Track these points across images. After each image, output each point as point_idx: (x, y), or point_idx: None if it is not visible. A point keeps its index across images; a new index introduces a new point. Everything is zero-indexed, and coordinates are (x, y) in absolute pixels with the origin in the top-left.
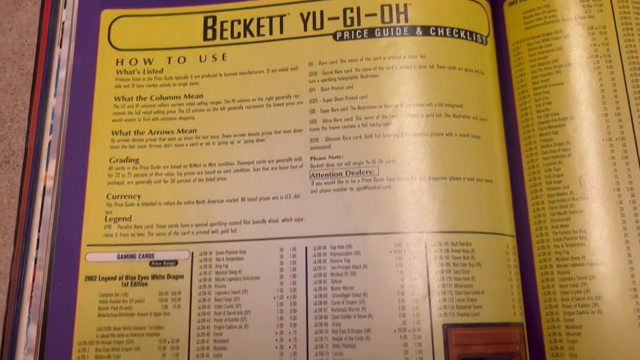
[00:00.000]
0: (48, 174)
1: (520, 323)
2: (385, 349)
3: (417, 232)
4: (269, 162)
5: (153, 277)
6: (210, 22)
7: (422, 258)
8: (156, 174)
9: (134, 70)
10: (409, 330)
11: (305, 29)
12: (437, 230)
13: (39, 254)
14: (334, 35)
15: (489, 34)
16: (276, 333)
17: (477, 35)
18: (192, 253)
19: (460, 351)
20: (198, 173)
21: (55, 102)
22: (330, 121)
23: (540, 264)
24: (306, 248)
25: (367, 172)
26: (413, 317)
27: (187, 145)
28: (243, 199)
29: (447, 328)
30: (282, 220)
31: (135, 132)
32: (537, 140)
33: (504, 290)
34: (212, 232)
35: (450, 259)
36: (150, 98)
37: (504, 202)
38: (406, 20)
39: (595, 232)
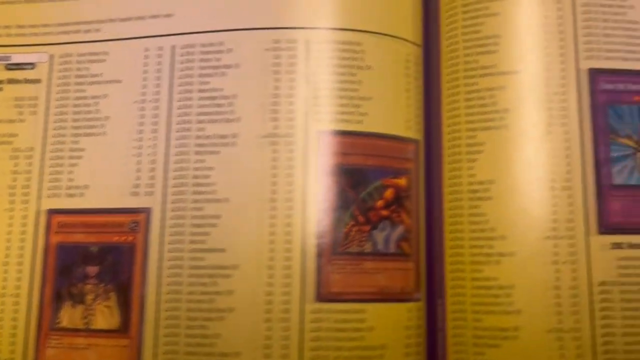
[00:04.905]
0: None
1: (415, 139)
2: (251, 156)
3: (297, 27)
4: None
5: (9, 81)
6: None
7: (303, 57)
8: None
9: None
10: (280, 136)
11: None
12: (321, 26)
13: None
14: None
15: None
16: (135, 140)
17: None
18: (52, 55)
19: (339, 160)
20: None
21: None
22: None
23: (448, 76)
24: (173, 47)
25: None
26: (286, 122)
27: None
28: None
29: (321, 134)
30: (150, 17)
31: None
32: None
33: (397, 100)
34: (75, 32)
35: (336, 59)
36: None
37: (410, 3)
38: None
39: (510, 37)
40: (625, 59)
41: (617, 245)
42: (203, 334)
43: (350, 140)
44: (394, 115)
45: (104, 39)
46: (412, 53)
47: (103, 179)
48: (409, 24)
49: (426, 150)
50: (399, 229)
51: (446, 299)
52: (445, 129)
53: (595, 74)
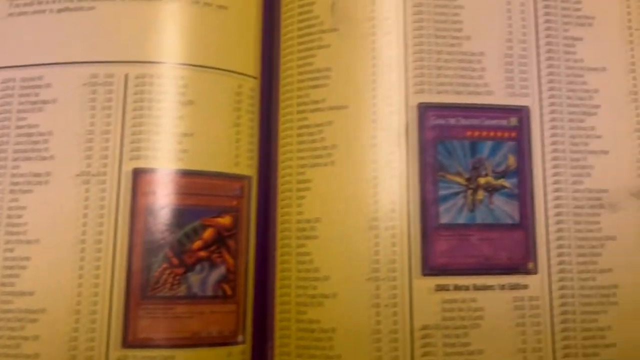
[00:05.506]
0: None
1: (245, 175)
2: (63, 195)
3: (115, 61)
4: None
5: None
6: None
7: (120, 92)
8: None
9: None
10: (93, 175)
11: None
12: (140, 60)
13: None
14: None
15: None
16: None
17: None
18: None
19: (154, 199)
20: None
21: None
22: None
23: (283, 110)
24: None
25: None
26: (100, 160)
27: None
28: None
29: (137, 173)
30: None
31: None
32: None
33: (224, 135)
34: None
35: (154, 93)
36: None
37: (247, 34)
38: None
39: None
40: (459, 93)
41: (442, 287)
42: None
43: (169, 179)
44: (220, 151)
45: None
46: (245, 85)
47: None
48: (242, 56)
49: (264, 187)
50: (220, 270)
51: (275, 342)
52: (280, 165)
53: (426, 109)
